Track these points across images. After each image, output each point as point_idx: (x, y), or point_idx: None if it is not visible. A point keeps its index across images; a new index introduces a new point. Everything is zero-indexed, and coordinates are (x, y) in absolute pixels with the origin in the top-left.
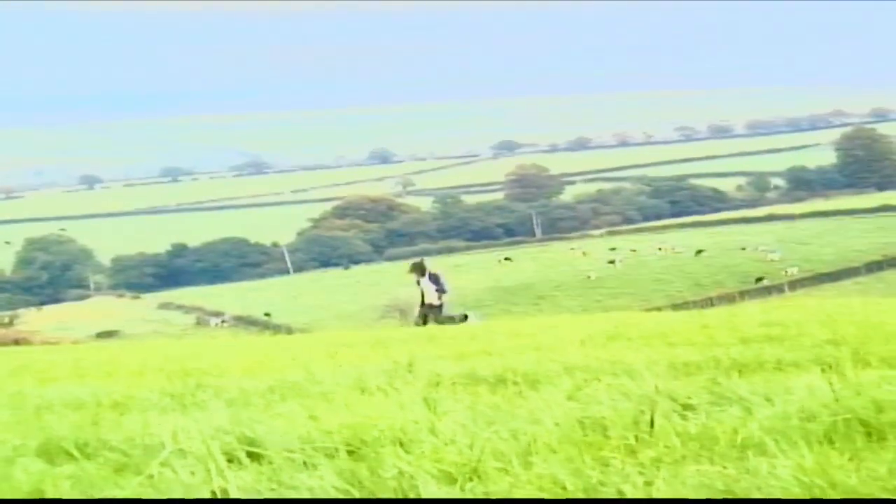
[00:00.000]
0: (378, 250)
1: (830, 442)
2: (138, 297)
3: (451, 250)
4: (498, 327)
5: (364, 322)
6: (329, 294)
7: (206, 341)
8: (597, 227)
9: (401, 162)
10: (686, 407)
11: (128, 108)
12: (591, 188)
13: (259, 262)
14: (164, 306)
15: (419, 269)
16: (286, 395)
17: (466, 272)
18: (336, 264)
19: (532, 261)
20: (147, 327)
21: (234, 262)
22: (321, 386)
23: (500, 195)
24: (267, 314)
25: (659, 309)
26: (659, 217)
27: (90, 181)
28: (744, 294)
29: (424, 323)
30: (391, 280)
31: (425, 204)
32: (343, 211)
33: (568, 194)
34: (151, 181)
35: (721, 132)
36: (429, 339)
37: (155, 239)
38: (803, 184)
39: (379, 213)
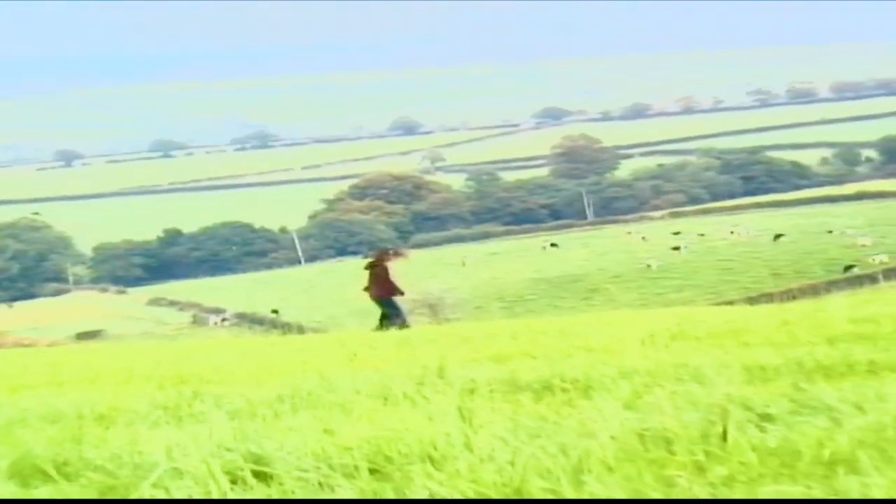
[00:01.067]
0: (403, 236)
1: None
2: (124, 292)
3: (486, 236)
4: (543, 325)
5: None
6: (346, 287)
7: (205, 343)
8: (658, 207)
9: (428, 133)
10: (763, 417)
11: (112, 73)
12: (651, 162)
13: (265, 250)
14: (155, 302)
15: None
16: (298, 405)
17: (505, 261)
18: (354, 253)
19: (582, 247)
20: (135, 327)
21: (237, 250)
22: (338, 394)
23: (544, 171)
24: (275, 311)
25: (731, 303)
26: (731, 196)
27: (68, 157)
28: (830, 285)
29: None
30: (419, 271)
31: (457, 182)
32: (362, 190)
33: (624, 170)
34: (140, 157)
35: (802, 96)
36: (462, 339)
37: (144, 224)
38: None
39: (404, 192)
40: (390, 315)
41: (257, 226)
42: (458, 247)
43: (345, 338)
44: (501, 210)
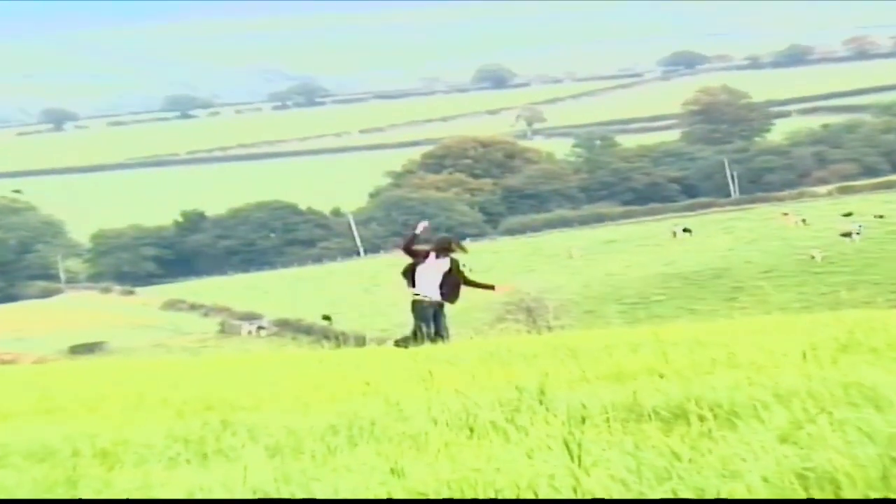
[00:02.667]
0: (491, 219)
1: None
2: (132, 293)
3: (600, 219)
4: (674, 334)
5: (472, 327)
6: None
7: (236, 358)
8: (822, 181)
9: (524, 86)
10: None
11: (114, 11)
12: (814, 122)
13: (313, 238)
14: (173, 306)
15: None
16: (357, 437)
17: (623, 251)
18: (428, 241)
19: (725, 233)
20: (147, 338)
21: (276, 238)
22: (409, 424)
23: (674, 134)
24: (326, 317)
25: None
26: None
27: (58, 118)
28: None
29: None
30: (511, 263)
31: (562, 149)
32: (438, 161)
33: (778, 132)
34: (150, 117)
35: None
36: (569, 352)
37: (158, 205)
38: None
39: (492, 163)
40: (437, 325)
41: (303, 207)
42: (562, 233)
43: (417, 352)
44: (619, 185)
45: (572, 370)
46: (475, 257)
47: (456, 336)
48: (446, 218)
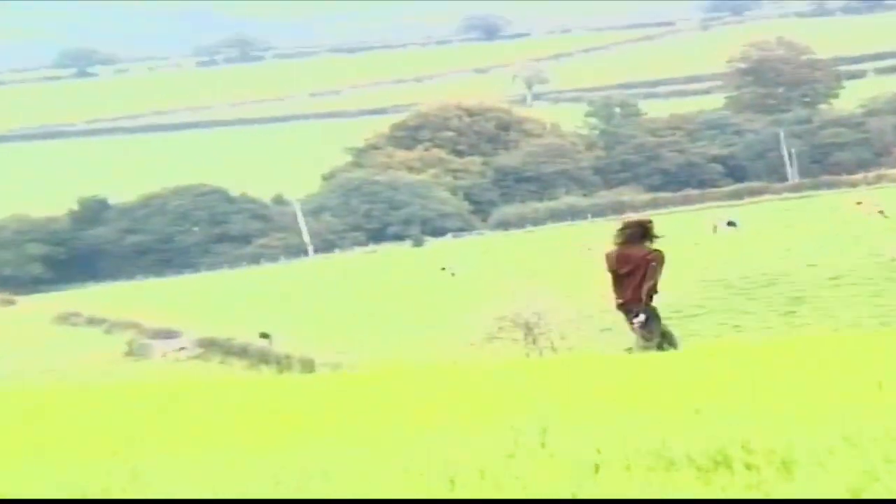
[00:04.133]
0: (480, 209)
1: None
2: (13, 303)
3: (619, 208)
4: (715, 357)
5: (457, 348)
6: (386, 296)
7: (149, 388)
8: None
9: (522, 37)
10: None
11: None
12: (894, 83)
13: (248, 232)
14: (66, 319)
15: (635, 235)
16: (305, 490)
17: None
18: (399, 237)
19: (780, 227)
20: (32, 361)
21: (201, 233)
22: (372, 474)
23: (716, 99)
24: (264, 335)
25: None
26: None
27: None
28: None
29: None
30: (506, 265)
31: (571, 118)
32: (412, 133)
33: (850, 97)
34: (38, 76)
35: None
36: (580, 380)
37: (47, 189)
38: None
39: (481, 136)
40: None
41: (235, 192)
42: (572, 227)
43: (382, 378)
44: (645, 166)
45: (583, 404)
46: (458, 257)
47: (435, 357)
48: (421, 207)
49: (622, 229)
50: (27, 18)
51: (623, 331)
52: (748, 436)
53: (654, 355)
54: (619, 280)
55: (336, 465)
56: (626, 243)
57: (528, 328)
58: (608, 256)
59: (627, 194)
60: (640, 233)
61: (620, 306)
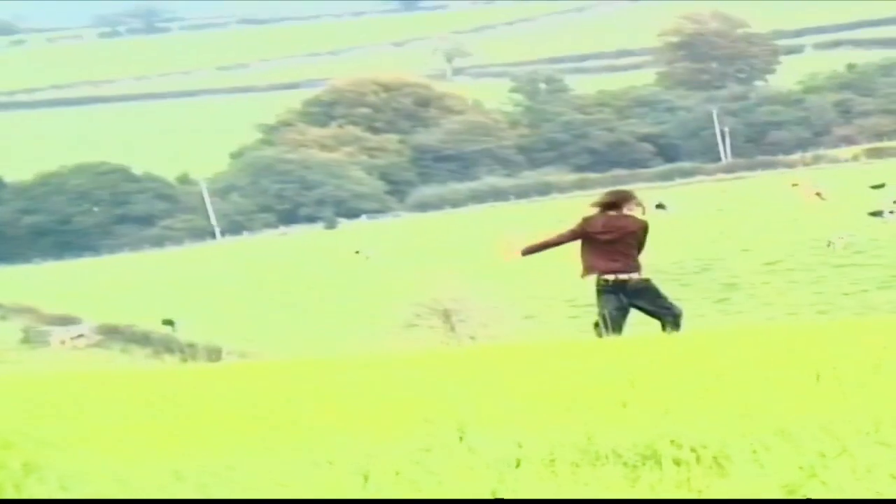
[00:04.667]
0: (397, 190)
1: None
2: None
3: (545, 190)
4: (643, 348)
5: (372, 336)
6: (297, 281)
7: (46, 377)
8: (847, 140)
9: (441, 8)
10: None
11: None
12: (836, 60)
13: (152, 213)
14: None
15: (615, 200)
16: (210, 487)
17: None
18: (311, 218)
19: (715, 210)
20: None
21: (102, 214)
22: (279, 468)
23: (647, 75)
24: (168, 322)
25: None
26: None
27: None
28: None
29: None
30: (423, 250)
31: (494, 94)
32: (325, 109)
33: (787, 74)
34: None
35: None
36: (500, 371)
37: None
38: None
39: (398, 113)
40: (661, 308)
41: (138, 171)
42: (494, 208)
43: (294, 368)
44: (571, 144)
45: (504, 396)
46: (373, 241)
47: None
48: (335, 187)
49: (610, 193)
50: None
51: (546, 320)
52: (678, 430)
53: (580, 344)
54: (597, 247)
55: (242, 460)
56: (611, 207)
57: (447, 316)
58: (590, 221)
59: (553, 175)
60: (624, 199)
61: (601, 273)
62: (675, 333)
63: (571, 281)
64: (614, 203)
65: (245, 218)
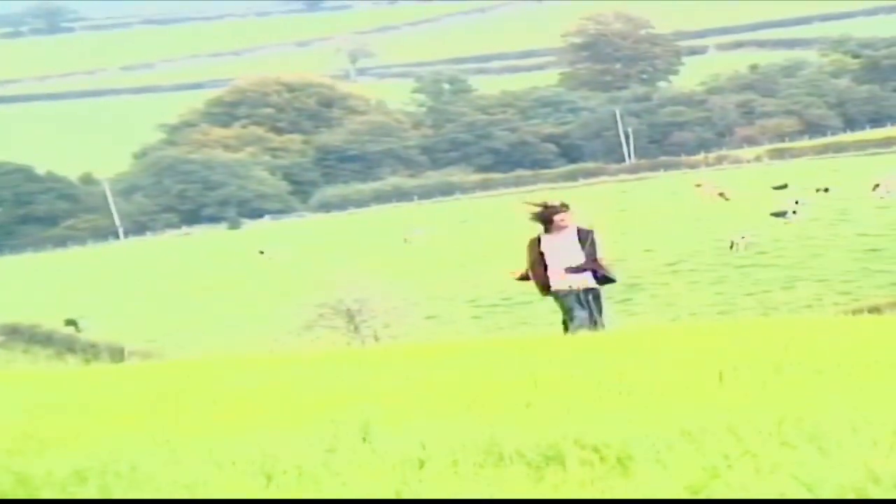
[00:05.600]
0: (300, 190)
1: None
2: None
3: (448, 190)
4: (545, 347)
5: (274, 337)
6: (200, 281)
7: None
8: (750, 141)
9: (345, 8)
10: None
11: None
12: (739, 61)
13: (55, 213)
14: None
15: (545, 216)
16: (112, 486)
17: (480, 235)
18: (214, 219)
19: (618, 211)
20: None
21: (5, 213)
22: (183, 469)
23: (550, 76)
24: (71, 322)
25: (877, 310)
26: (878, 121)
27: None
28: None
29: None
30: (326, 250)
31: (397, 94)
32: (229, 109)
33: (690, 74)
34: None
35: None
36: (403, 371)
37: None
38: None
39: (302, 113)
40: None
41: (41, 170)
42: (397, 208)
43: (198, 365)
44: (474, 145)
45: (408, 397)
46: (277, 241)
47: (251, 347)
48: (238, 188)
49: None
50: None
51: (449, 320)
52: (582, 431)
53: (482, 344)
54: (540, 262)
55: (145, 461)
56: (546, 224)
57: (350, 316)
58: (534, 244)
59: (456, 175)
60: (553, 213)
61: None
62: (576, 334)
63: (473, 281)
64: (546, 220)
65: (148, 218)
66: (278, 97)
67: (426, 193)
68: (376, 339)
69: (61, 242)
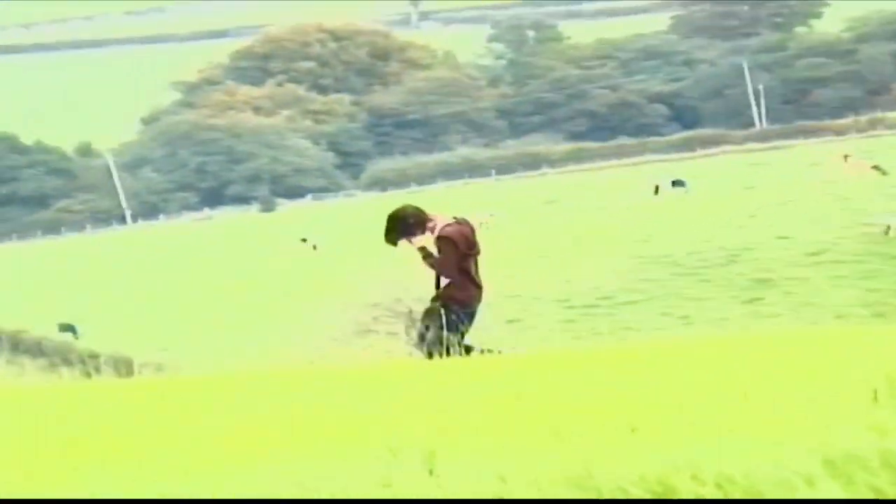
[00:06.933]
0: (349, 163)
1: None
2: None
3: (532, 163)
4: (654, 357)
5: (318, 345)
6: (225, 276)
7: None
8: None
9: None
10: None
11: None
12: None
13: (45, 192)
14: None
15: (406, 226)
16: None
17: (572, 218)
18: (243, 199)
19: (745, 188)
20: None
21: None
22: None
23: (659, 20)
24: (67, 327)
25: None
26: None
27: None
28: None
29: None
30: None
31: (469, 44)
32: (260, 63)
33: (835, 18)
34: None
35: None
36: (477, 387)
37: None
38: None
39: (350, 67)
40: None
41: (27, 140)
42: (468, 186)
43: (219, 384)
44: (564, 106)
45: (482, 418)
46: (321, 226)
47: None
48: (272, 160)
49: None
50: None
51: (533, 324)
52: (698, 461)
53: (580, 353)
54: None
55: (154, 493)
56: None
57: (412, 319)
58: (463, 234)
59: (542, 144)
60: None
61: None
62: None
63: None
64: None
65: (160, 198)
66: (321, 48)
67: (504, 167)
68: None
69: (53, 228)
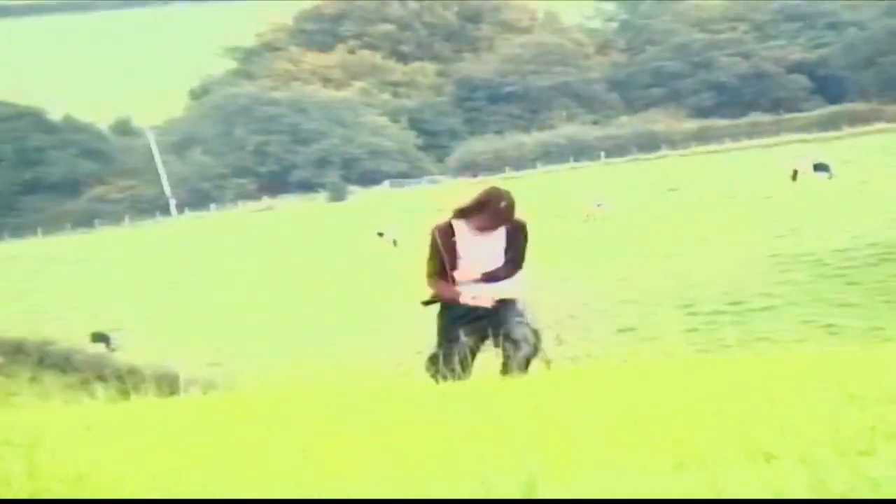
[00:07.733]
0: (434, 145)
1: None
2: None
3: (649, 142)
4: (796, 372)
5: (403, 356)
6: (288, 276)
7: None
8: None
9: None
10: None
11: None
12: None
13: (77, 176)
14: None
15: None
16: None
17: (696, 207)
18: (309, 185)
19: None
20: None
21: (3, 179)
22: None
23: None
24: (100, 336)
25: None
26: None
27: None
28: None
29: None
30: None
31: (575, 4)
32: (329, 26)
33: None
34: None
35: None
36: (587, 405)
37: None
38: None
39: (435, 31)
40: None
41: (56, 115)
42: (576, 170)
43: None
44: (689, 77)
45: (586, 439)
46: (401, 218)
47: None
48: (344, 140)
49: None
50: None
51: (652, 334)
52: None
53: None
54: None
55: None
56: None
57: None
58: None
59: (662, 121)
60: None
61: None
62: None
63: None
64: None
65: (212, 185)
66: (401, 8)
67: (617, 148)
68: (548, 361)
69: (85, 220)
